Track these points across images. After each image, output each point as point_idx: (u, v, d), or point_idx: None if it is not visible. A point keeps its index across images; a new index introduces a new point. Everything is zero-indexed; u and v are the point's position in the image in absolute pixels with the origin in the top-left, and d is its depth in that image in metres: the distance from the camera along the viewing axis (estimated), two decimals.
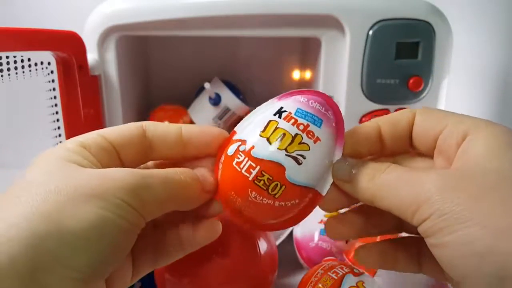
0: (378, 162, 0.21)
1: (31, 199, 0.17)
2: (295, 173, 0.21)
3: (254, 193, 0.21)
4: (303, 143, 0.21)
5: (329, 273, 0.31)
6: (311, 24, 0.45)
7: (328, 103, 0.23)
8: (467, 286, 0.17)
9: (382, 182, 0.20)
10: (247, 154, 0.21)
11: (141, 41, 0.61)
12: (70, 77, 0.41)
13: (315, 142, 0.21)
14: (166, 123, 0.24)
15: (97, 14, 0.46)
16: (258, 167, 0.21)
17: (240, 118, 0.58)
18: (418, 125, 0.22)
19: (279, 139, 0.21)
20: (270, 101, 0.24)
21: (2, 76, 0.34)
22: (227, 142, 0.23)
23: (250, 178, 0.21)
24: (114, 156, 0.22)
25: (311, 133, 0.21)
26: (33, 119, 0.50)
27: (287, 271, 0.41)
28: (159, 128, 0.23)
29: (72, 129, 0.42)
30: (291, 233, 0.43)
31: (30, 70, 0.37)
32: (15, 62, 0.35)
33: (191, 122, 0.59)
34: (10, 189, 0.19)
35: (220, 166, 0.23)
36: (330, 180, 0.22)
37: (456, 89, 0.68)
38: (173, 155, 0.24)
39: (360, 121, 0.46)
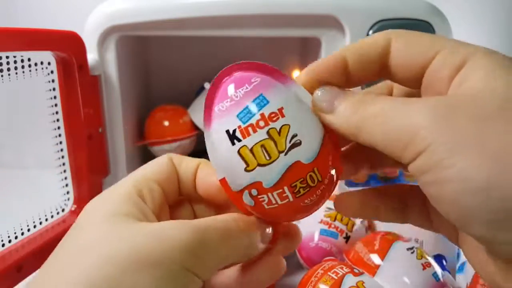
0: (364, 92, 0.19)
1: (81, 266, 0.16)
2: (307, 153, 0.19)
3: (307, 200, 0.19)
4: (280, 129, 0.19)
5: (329, 273, 0.31)
6: (311, 24, 0.45)
7: (242, 70, 0.20)
8: (468, 226, 0.15)
9: (367, 114, 0.17)
10: (264, 191, 0.19)
11: (141, 41, 0.61)
12: (70, 77, 0.41)
13: (283, 115, 0.19)
14: (186, 158, 0.23)
15: (97, 14, 0.46)
16: (285, 187, 0.19)
17: None
18: (397, 55, 0.19)
19: (266, 154, 0.18)
20: (205, 130, 0.20)
21: (2, 76, 0.34)
22: (229, 194, 0.20)
23: (292, 200, 0.19)
24: (161, 194, 0.21)
25: (272, 115, 0.19)
26: (33, 119, 0.50)
27: (287, 271, 0.41)
28: (183, 163, 0.22)
29: (72, 129, 0.42)
30: None
31: (30, 70, 0.37)
32: (15, 62, 0.35)
33: (191, 122, 0.59)
34: (63, 245, 0.18)
35: (252, 211, 0.20)
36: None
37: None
38: (194, 193, 0.23)
39: None
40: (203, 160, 0.22)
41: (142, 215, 0.19)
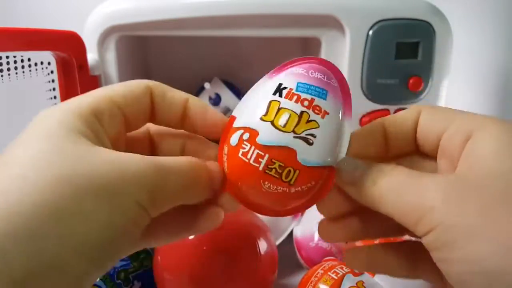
0: (383, 164, 0.20)
1: (28, 183, 0.14)
2: (307, 155, 0.19)
3: (267, 183, 0.19)
4: (311, 120, 0.19)
5: (329, 273, 0.31)
6: (311, 24, 0.45)
7: (330, 69, 0.21)
8: None
9: (384, 186, 0.18)
10: (253, 142, 0.19)
11: (141, 41, 0.61)
12: (70, 77, 0.41)
13: (323, 116, 0.20)
14: (172, 90, 0.23)
15: (97, 14, 0.46)
16: (267, 155, 0.19)
17: None
18: (422, 124, 0.21)
19: (284, 121, 0.19)
20: (265, 77, 0.22)
21: (2, 76, 0.34)
22: (227, 129, 0.21)
23: (261, 168, 0.19)
24: (122, 120, 0.20)
25: (317, 108, 0.20)
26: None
27: (287, 271, 0.41)
28: (167, 95, 0.22)
29: None
30: (291, 233, 0.43)
31: (30, 70, 0.37)
32: (15, 62, 0.35)
33: None
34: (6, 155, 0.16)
35: (225, 158, 0.21)
36: (344, 152, 0.20)
37: (456, 89, 0.68)
38: (173, 125, 0.22)
39: (360, 121, 0.46)
40: (189, 95, 0.22)
41: (96, 138, 0.18)
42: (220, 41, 0.64)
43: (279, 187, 0.19)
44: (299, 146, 0.19)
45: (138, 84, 0.21)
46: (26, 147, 0.16)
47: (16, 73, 0.35)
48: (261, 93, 0.21)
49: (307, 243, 0.41)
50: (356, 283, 0.29)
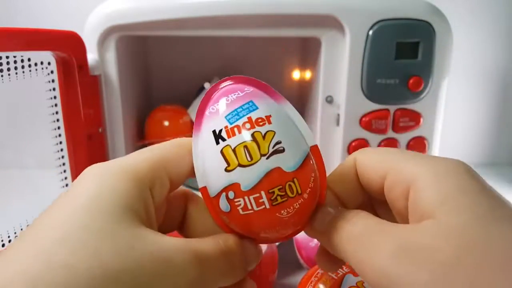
0: (348, 210, 0.19)
1: (73, 274, 0.13)
2: (289, 161, 0.19)
3: (282, 211, 0.19)
4: (264, 134, 0.19)
5: (329, 273, 0.31)
6: (311, 24, 0.45)
7: (237, 82, 0.21)
8: None
9: (344, 236, 0.18)
10: (241, 194, 0.18)
11: (141, 41, 0.61)
12: (70, 77, 0.41)
13: (269, 122, 0.19)
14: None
15: (97, 14, 0.46)
16: (262, 192, 0.18)
17: None
18: (360, 175, 0.20)
19: (247, 154, 0.18)
20: (194, 137, 0.21)
21: (2, 76, 0.34)
22: (209, 204, 0.20)
23: (268, 207, 0.18)
24: (168, 188, 0.19)
25: (259, 120, 0.19)
26: (33, 119, 0.50)
27: (287, 271, 0.41)
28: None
29: (72, 129, 0.42)
30: None
31: (30, 70, 0.37)
32: (15, 62, 0.35)
33: (191, 122, 0.59)
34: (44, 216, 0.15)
35: (230, 225, 0.20)
36: (309, 132, 0.20)
37: (456, 89, 0.68)
38: None
39: (360, 121, 0.46)
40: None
41: (146, 216, 0.17)
42: (220, 41, 0.64)
43: (295, 204, 0.19)
44: (278, 161, 0.18)
45: (184, 145, 0.20)
46: (70, 216, 0.15)
47: (16, 73, 0.35)
48: (206, 153, 0.20)
49: (307, 243, 0.41)
50: (356, 283, 0.29)
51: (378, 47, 0.44)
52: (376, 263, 0.16)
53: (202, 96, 0.20)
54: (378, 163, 0.19)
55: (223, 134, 0.19)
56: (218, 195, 0.19)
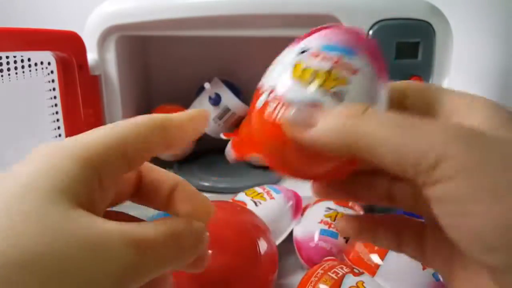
0: (345, 103, 0.18)
1: None
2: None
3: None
4: (340, 77, 0.18)
5: (329, 273, 0.31)
6: (312, 24, 0.45)
7: (357, 37, 0.20)
8: (484, 255, 0.14)
9: (371, 119, 0.16)
10: (279, 101, 0.18)
11: (141, 41, 0.61)
12: (70, 77, 0.41)
13: (353, 73, 0.18)
14: (180, 117, 0.20)
15: (97, 14, 0.46)
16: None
17: (240, 118, 0.58)
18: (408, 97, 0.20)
19: (312, 78, 0.18)
20: (289, 46, 0.21)
21: (2, 76, 0.34)
22: (255, 97, 0.20)
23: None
24: (124, 170, 0.18)
25: (346, 65, 0.18)
26: (33, 119, 0.50)
27: (287, 271, 0.41)
28: (179, 128, 0.19)
29: (72, 128, 0.42)
30: (291, 233, 0.43)
31: (30, 70, 0.37)
32: (15, 62, 0.35)
33: None
34: None
35: (253, 122, 0.20)
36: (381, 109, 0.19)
37: (456, 89, 0.68)
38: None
39: None
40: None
41: (87, 198, 0.16)
42: (220, 41, 0.64)
43: None
44: (327, 102, 0.18)
45: (148, 124, 0.18)
46: (8, 201, 0.14)
47: (16, 73, 0.35)
48: (285, 58, 0.20)
49: (307, 243, 0.41)
50: (356, 283, 0.29)
51: None
52: (441, 149, 0.14)
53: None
54: (429, 91, 0.19)
55: (309, 52, 0.19)
56: (264, 91, 0.19)
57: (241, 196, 0.44)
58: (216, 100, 0.57)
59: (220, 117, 0.58)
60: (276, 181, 0.53)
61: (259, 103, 0.19)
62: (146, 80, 0.65)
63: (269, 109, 0.18)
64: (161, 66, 0.67)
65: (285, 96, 0.18)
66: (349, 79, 0.18)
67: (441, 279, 0.33)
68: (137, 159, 0.18)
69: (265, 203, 0.43)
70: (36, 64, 0.38)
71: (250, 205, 0.42)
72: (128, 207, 0.22)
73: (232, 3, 0.44)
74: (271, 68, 0.21)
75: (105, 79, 0.47)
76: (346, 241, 0.40)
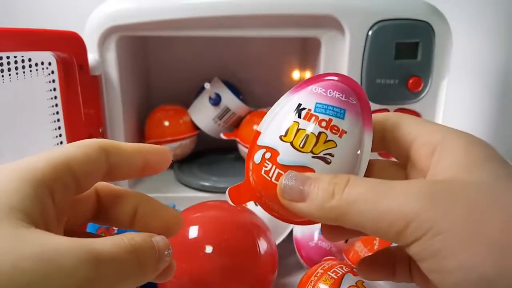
0: (332, 175, 0.19)
1: None
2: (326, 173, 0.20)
3: None
4: (329, 140, 0.20)
5: (328, 272, 0.31)
6: (311, 24, 0.45)
7: (349, 86, 0.22)
8: None
9: (349, 197, 0.17)
10: (274, 161, 0.21)
11: (141, 41, 0.62)
12: (71, 77, 0.41)
13: (340, 136, 0.20)
14: (127, 145, 0.21)
15: (98, 14, 0.46)
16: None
17: (240, 118, 0.59)
18: (389, 131, 0.21)
19: (303, 142, 0.20)
20: (288, 93, 0.23)
21: (2, 76, 0.34)
22: (253, 144, 0.22)
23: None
24: (74, 188, 0.18)
25: (335, 128, 0.21)
26: (34, 119, 0.50)
27: (287, 271, 0.42)
28: (123, 152, 0.20)
29: (73, 129, 0.42)
30: (291, 233, 0.43)
31: (30, 70, 0.37)
32: (15, 62, 0.35)
33: (191, 122, 0.59)
34: None
35: (251, 173, 0.22)
36: (364, 167, 0.21)
37: (456, 89, 0.68)
38: (134, 176, 0.22)
39: None
40: (145, 145, 0.21)
41: (41, 217, 0.16)
42: (220, 41, 0.64)
43: None
44: (317, 165, 0.20)
45: (91, 145, 0.19)
46: None
47: (17, 73, 0.35)
48: (282, 112, 0.22)
49: (307, 243, 0.41)
50: (356, 283, 0.29)
51: (377, 47, 0.44)
52: (408, 211, 0.16)
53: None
54: (412, 126, 0.21)
55: (303, 113, 0.21)
56: (261, 147, 0.22)
57: None
58: (216, 100, 0.57)
59: (220, 117, 0.58)
60: None
61: (257, 158, 0.22)
62: (146, 80, 0.65)
63: (265, 168, 0.21)
64: (161, 66, 0.67)
65: (279, 158, 0.21)
66: (336, 142, 0.20)
67: None
68: (86, 178, 0.19)
69: None
70: (36, 64, 0.38)
71: (250, 205, 0.42)
72: None
73: (232, 3, 0.44)
74: (270, 114, 0.23)
75: (106, 80, 0.47)
76: (346, 241, 0.40)
